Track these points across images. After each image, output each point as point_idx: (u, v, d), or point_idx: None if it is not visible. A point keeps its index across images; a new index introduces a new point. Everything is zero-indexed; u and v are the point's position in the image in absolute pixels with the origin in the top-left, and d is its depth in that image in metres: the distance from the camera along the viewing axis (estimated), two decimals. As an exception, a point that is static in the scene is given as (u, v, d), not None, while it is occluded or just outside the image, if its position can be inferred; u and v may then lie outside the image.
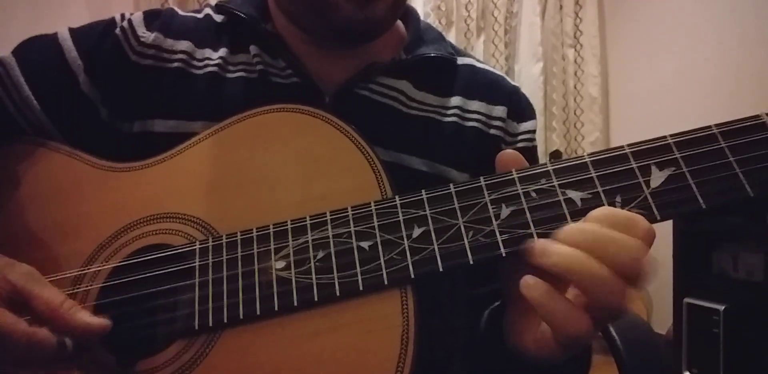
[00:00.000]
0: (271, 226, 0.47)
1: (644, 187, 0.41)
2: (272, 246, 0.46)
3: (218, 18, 0.65)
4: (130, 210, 0.51)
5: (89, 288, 0.49)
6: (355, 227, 0.45)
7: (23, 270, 0.45)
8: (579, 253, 0.38)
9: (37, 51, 0.61)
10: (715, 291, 1.77)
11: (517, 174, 0.43)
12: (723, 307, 1.71)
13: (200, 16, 0.66)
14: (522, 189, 0.43)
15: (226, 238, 0.47)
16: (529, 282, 0.40)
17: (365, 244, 0.44)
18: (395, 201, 0.45)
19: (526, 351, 0.44)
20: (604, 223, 0.38)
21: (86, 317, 0.44)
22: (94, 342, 0.45)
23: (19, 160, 0.57)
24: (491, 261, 0.42)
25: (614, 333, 0.86)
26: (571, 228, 0.40)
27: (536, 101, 2.85)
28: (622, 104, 3.01)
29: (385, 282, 0.43)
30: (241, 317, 0.44)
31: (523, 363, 0.46)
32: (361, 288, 0.43)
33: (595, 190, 0.41)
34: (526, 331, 0.44)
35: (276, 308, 0.44)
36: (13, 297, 0.44)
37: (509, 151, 0.46)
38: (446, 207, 0.44)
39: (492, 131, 0.65)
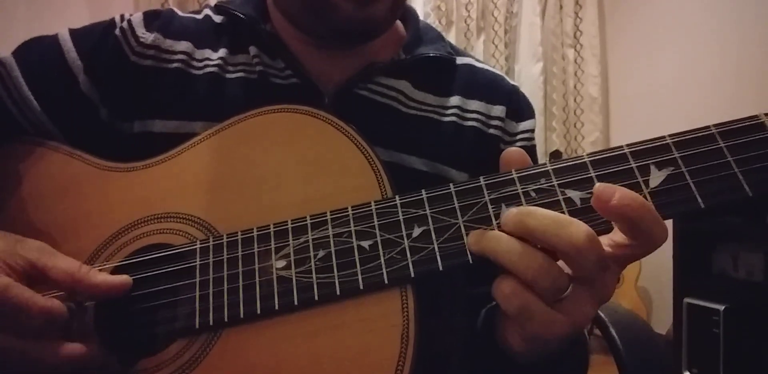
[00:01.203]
0: (272, 226, 0.47)
1: (643, 187, 0.41)
2: (273, 246, 0.46)
3: (218, 18, 0.65)
4: (130, 210, 0.52)
5: None
6: (355, 226, 0.45)
7: (35, 246, 0.46)
8: (497, 233, 0.41)
9: (38, 51, 0.61)
10: (715, 291, 1.77)
11: (517, 173, 0.43)
12: (723, 307, 1.71)
13: (200, 16, 0.66)
14: (522, 188, 0.43)
15: (227, 238, 0.47)
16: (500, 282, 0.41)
17: (365, 244, 0.44)
18: (395, 200, 0.45)
19: (511, 346, 0.45)
20: (637, 206, 0.38)
21: (106, 277, 0.46)
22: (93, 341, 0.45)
23: (20, 160, 0.57)
24: (491, 260, 0.42)
25: (614, 333, 0.86)
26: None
27: (536, 101, 2.85)
28: (622, 104, 3.01)
29: (386, 282, 0.43)
30: (242, 316, 0.44)
31: (519, 364, 0.47)
32: (361, 287, 0.43)
33: (594, 190, 0.41)
34: (510, 325, 0.45)
35: (276, 307, 0.44)
36: (29, 272, 0.44)
37: (514, 149, 0.46)
38: (446, 207, 0.44)
39: (491, 131, 0.65)
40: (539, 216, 0.40)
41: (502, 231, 0.41)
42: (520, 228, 0.40)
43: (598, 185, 0.39)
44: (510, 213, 0.41)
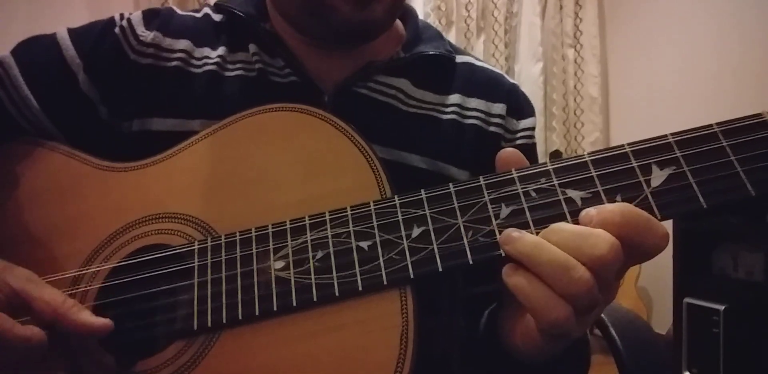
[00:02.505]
0: (270, 226, 0.46)
1: (645, 186, 0.40)
2: (271, 246, 0.46)
3: (217, 17, 0.65)
4: (129, 210, 0.51)
5: (88, 288, 0.49)
6: (354, 227, 0.45)
7: (22, 274, 0.45)
8: (538, 239, 0.39)
9: (36, 51, 0.61)
10: (715, 291, 1.77)
11: (517, 173, 0.43)
12: (723, 307, 1.71)
13: (199, 15, 0.66)
14: (522, 188, 0.43)
15: (225, 238, 0.47)
16: (508, 271, 0.40)
17: (364, 244, 0.44)
18: (394, 200, 0.45)
19: (515, 346, 0.44)
20: (628, 219, 0.38)
21: (88, 317, 0.44)
22: (92, 343, 0.45)
23: (19, 160, 0.57)
24: (491, 261, 0.41)
25: (614, 333, 0.86)
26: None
27: (536, 101, 2.85)
28: (622, 104, 3.01)
29: (385, 283, 0.42)
30: (240, 317, 0.44)
31: (521, 364, 0.46)
32: (360, 288, 0.43)
33: (595, 189, 0.41)
34: (517, 327, 0.44)
35: (275, 308, 0.44)
36: (13, 301, 0.44)
37: (509, 149, 0.45)
38: (445, 207, 0.43)
39: (491, 128, 0.65)
40: (556, 229, 0.39)
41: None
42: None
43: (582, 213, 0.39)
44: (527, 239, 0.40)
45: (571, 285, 0.37)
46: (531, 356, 0.45)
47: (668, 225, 1.84)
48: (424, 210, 0.44)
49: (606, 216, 0.38)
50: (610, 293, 0.41)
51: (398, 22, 0.67)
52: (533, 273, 0.39)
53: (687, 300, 1.81)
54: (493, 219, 0.42)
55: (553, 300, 0.38)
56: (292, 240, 0.45)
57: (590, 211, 0.39)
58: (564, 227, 0.39)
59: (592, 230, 0.38)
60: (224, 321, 0.44)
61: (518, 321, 0.44)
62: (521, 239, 0.39)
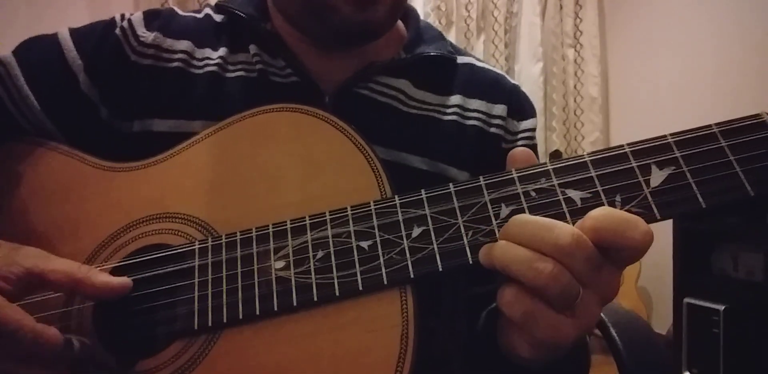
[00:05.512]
0: (271, 226, 0.47)
1: (644, 186, 0.41)
2: (271, 246, 0.46)
3: (218, 18, 0.65)
4: (129, 210, 0.51)
5: None
6: (354, 227, 0.45)
7: (31, 252, 0.46)
8: (501, 242, 0.39)
9: (38, 51, 0.61)
10: (715, 291, 1.77)
11: (517, 173, 0.43)
12: (723, 307, 1.71)
13: (200, 16, 0.66)
14: (522, 188, 0.43)
15: (226, 238, 0.47)
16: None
17: (365, 244, 0.44)
18: (394, 200, 0.45)
19: (518, 353, 0.44)
20: (602, 223, 0.38)
21: (106, 277, 0.45)
22: (92, 342, 0.45)
23: (20, 160, 0.57)
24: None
25: (614, 333, 0.86)
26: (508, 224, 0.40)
27: (536, 101, 2.85)
28: (622, 104, 3.01)
29: (385, 282, 0.43)
30: (241, 317, 0.44)
31: (519, 365, 0.46)
32: (360, 287, 0.43)
33: (594, 189, 0.41)
34: (519, 335, 0.43)
35: (275, 308, 0.44)
36: (27, 280, 0.44)
37: (519, 149, 0.45)
38: (446, 207, 0.44)
39: (492, 130, 0.65)
40: (519, 222, 0.39)
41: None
42: (503, 236, 0.40)
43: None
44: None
45: (537, 278, 0.37)
46: (533, 360, 0.44)
47: (668, 225, 1.85)
48: (425, 210, 0.44)
49: (582, 225, 0.38)
50: (597, 288, 0.40)
51: (399, 22, 0.67)
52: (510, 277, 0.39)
53: (687, 300, 1.81)
54: (493, 219, 0.42)
55: (521, 294, 0.38)
56: (292, 240, 0.45)
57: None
58: (528, 219, 0.40)
59: (555, 222, 0.38)
60: (225, 320, 0.44)
61: (513, 330, 0.44)
62: (488, 248, 0.40)
